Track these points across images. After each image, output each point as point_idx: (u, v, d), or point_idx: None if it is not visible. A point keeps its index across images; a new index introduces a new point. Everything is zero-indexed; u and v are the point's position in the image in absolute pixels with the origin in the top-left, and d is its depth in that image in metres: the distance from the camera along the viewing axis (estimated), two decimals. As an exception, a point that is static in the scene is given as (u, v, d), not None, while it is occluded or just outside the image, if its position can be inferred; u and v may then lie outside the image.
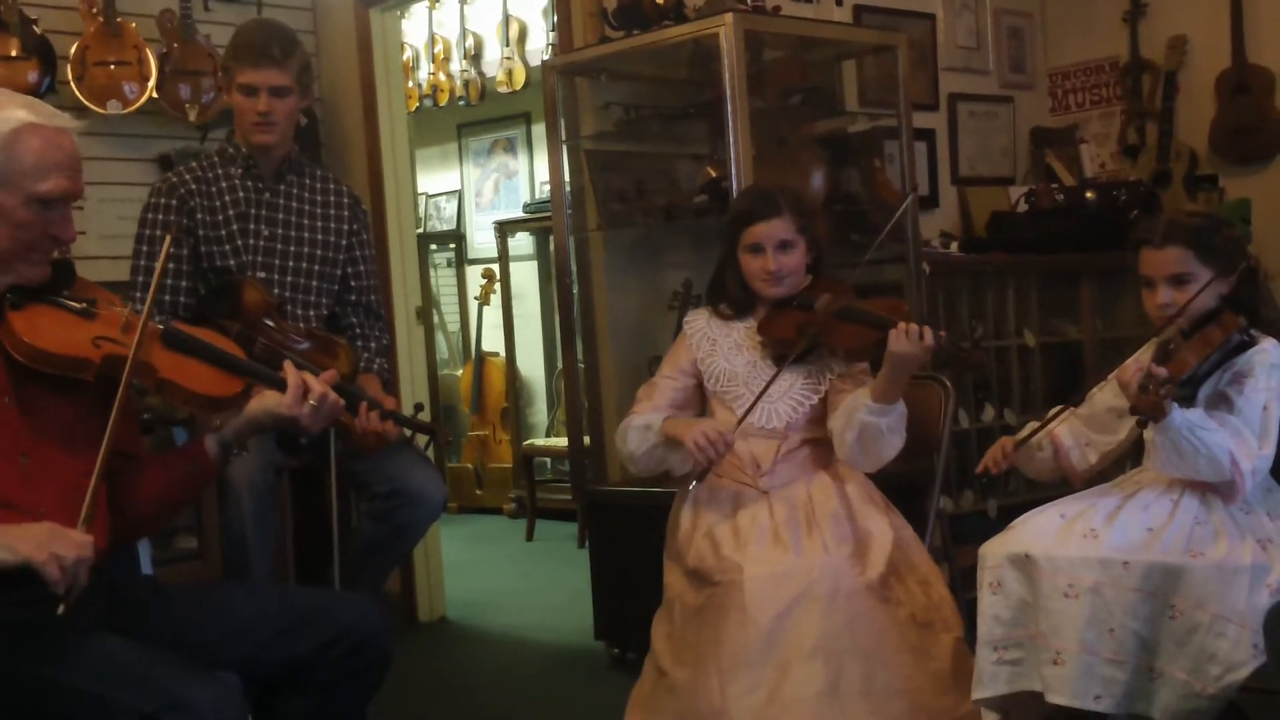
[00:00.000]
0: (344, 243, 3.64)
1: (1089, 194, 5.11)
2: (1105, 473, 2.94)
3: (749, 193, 3.34)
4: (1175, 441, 2.55)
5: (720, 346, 3.11)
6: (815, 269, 3.13)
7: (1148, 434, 2.63)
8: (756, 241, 3.04)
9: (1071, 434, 2.91)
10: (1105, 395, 2.87)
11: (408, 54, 7.28)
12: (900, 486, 3.20)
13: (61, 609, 2.02)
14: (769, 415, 3.02)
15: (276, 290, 3.48)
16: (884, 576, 2.83)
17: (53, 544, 2.02)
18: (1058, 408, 2.89)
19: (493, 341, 7.57)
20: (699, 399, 3.16)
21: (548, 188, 4.90)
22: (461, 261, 8.30)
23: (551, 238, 4.64)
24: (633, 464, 3.11)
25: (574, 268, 4.40)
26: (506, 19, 7.12)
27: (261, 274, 3.49)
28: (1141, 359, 2.72)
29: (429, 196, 8.44)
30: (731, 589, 2.78)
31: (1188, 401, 2.63)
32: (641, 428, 3.04)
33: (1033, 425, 2.92)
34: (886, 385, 2.86)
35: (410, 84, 7.25)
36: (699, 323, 3.17)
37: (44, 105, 2.29)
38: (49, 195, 2.21)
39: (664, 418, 3.02)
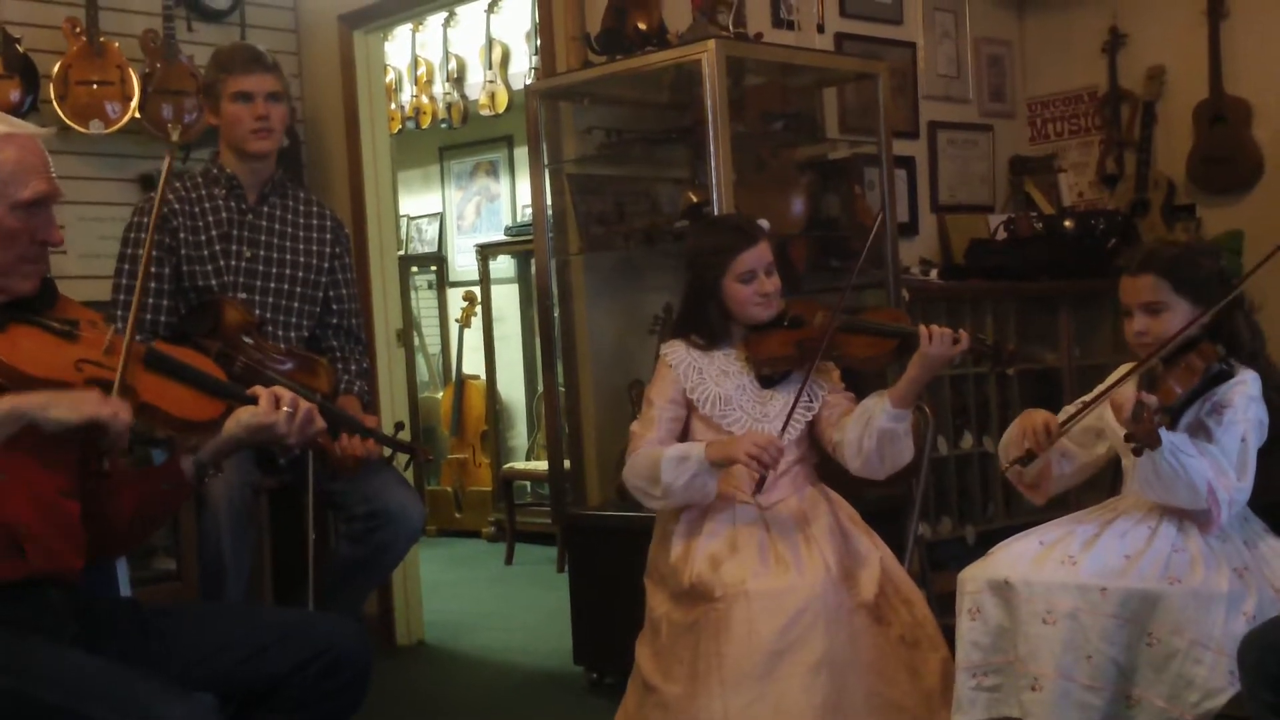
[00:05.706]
0: (325, 265, 3.65)
1: (1067, 223, 5.14)
2: (1078, 495, 2.94)
3: (724, 224, 3.33)
4: (1157, 463, 2.56)
5: (707, 374, 3.11)
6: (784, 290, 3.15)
7: (1126, 462, 2.63)
8: (748, 269, 3.04)
9: None
10: (1089, 418, 2.86)
11: (390, 76, 7.28)
12: (879, 511, 3.21)
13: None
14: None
15: (257, 311, 3.48)
16: (876, 596, 2.88)
17: (109, 404, 2.11)
18: (1092, 394, 2.82)
19: (473, 364, 7.57)
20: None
21: (529, 211, 4.90)
22: (443, 284, 8.30)
23: (533, 261, 4.64)
24: (668, 497, 2.97)
25: (555, 291, 4.41)
26: (489, 42, 7.14)
27: (243, 295, 3.49)
28: (1128, 387, 2.72)
29: (411, 219, 8.44)
30: (735, 604, 2.79)
31: (1170, 428, 2.64)
32: (677, 459, 2.95)
33: (1068, 410, 2.85)
34: (910, 389, 2.89)
35: (393, 106, 7.26)
36: (679, 353, 3.15)
37: (9, 116, 2.35)
38: (31, 199, 2.24)
39: (703, 445, 2.96)
